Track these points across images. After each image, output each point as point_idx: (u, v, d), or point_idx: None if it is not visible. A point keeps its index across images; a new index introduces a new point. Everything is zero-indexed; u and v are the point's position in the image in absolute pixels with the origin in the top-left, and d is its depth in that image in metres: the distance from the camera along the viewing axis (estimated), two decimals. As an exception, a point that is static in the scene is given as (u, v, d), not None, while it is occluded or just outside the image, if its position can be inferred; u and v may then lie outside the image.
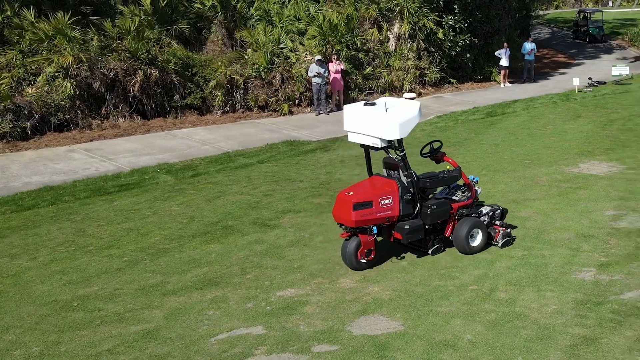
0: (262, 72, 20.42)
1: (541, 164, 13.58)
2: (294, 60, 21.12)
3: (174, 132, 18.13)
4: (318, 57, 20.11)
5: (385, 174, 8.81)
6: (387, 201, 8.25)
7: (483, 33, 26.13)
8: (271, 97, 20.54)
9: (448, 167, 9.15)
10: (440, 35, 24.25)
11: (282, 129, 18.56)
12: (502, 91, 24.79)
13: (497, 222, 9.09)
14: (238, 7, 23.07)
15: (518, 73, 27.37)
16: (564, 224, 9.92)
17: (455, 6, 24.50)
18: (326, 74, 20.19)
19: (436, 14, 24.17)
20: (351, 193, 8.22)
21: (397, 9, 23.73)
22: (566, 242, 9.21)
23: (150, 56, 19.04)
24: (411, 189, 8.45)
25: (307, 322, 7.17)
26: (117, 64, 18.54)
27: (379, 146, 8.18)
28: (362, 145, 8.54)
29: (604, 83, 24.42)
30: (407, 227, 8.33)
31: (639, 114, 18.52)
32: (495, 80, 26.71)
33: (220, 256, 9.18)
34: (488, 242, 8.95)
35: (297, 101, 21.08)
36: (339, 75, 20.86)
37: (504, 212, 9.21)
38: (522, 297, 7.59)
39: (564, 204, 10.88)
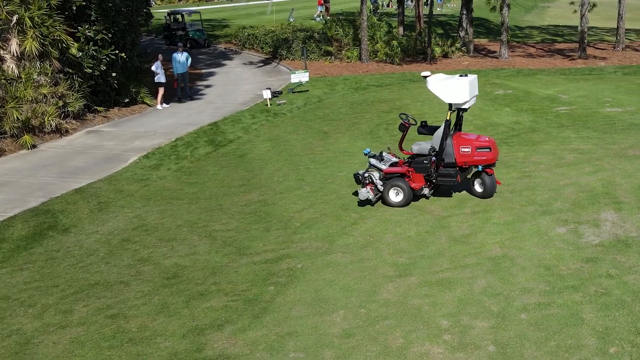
0: None
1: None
2: None
3: None
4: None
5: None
6: None
7: (125, 44, 26.38)
8: None
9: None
10: (74, 50, 23.62)
11: None
12: (168, 114, 25.27)
13: None
14: None
15: (169, 91, 28.18)
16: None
17: (92, 13, 24.20)
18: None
19: (66, 23, 23.49)
20: (488, 137, 13.92)
21: (14, 18, 22.37)
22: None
23: None
24: None
25: None
26: None
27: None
28: (462, 109, 13.84)
29: (281, 92, 27.55)
30: None
31: (383, 120, 21.63)
32: (145, 103, 27.18)
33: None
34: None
35: None
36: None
37: None
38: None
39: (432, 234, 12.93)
